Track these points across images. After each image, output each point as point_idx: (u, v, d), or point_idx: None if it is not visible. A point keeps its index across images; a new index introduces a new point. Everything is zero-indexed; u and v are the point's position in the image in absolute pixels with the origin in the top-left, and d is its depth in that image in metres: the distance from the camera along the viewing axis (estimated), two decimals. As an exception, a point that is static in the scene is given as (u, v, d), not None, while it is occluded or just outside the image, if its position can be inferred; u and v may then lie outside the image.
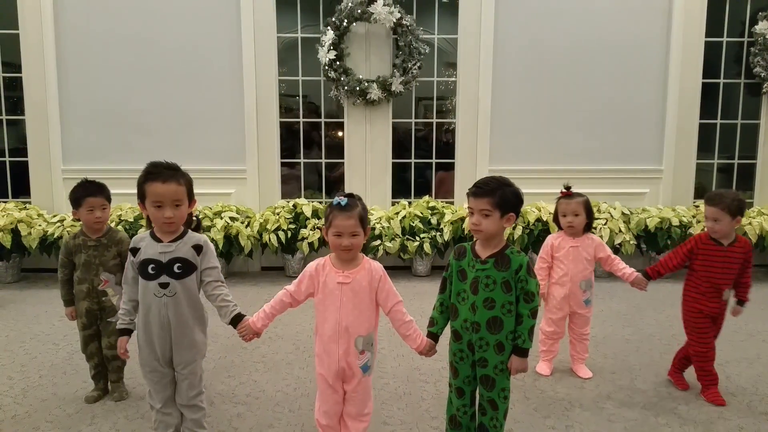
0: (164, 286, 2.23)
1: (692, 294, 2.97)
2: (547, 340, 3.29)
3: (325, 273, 2.21)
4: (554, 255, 3.21)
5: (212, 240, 4.91)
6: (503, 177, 2.25)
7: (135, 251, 2.28)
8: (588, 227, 3.19)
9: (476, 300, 2.18)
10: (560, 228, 3.22)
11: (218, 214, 5.15)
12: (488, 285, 2.17)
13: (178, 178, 2.23)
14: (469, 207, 2.21)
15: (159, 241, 2.26)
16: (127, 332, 2.32)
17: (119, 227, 4.77)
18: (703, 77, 5.54)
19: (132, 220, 4.99)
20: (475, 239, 2.27)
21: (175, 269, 2.24)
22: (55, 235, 4.92)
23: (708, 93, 5.60)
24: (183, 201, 2.24)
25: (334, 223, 2.14)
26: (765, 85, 5.46)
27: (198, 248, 2.29)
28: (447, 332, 2.33)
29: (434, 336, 2.31)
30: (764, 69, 5.39)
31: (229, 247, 5.07)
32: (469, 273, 2.22)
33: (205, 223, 5.01)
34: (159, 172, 2.21)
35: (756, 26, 5.41)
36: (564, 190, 3.19)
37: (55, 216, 5.15)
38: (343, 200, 2.15)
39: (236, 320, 2.27)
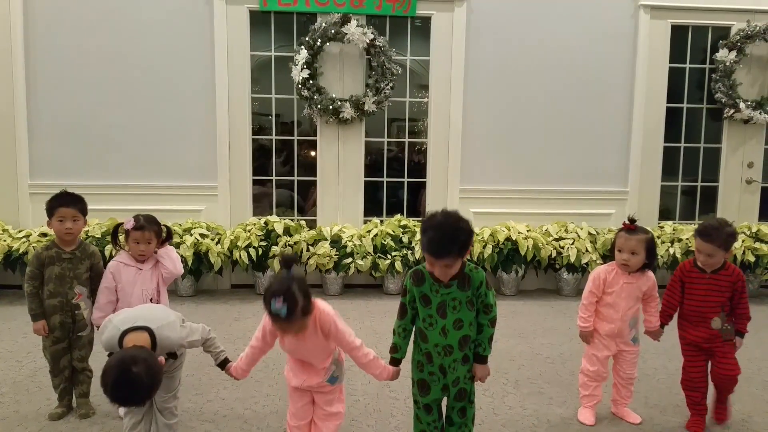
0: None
1: (680, 320, 2.93)
2: (589, 383, 2.98)
3: None
4: (605, 291, 2.91)
5: (181, 257, 4.86)
6: (451, 222, 2.11)
7: None
8: (647, 267, 2.88)
9: (446, 324, 2.21)
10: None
11: (188, 230, 5.11)
12: (455, 307, 2.21)
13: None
14: (428, 261, 2.17)
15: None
16: None
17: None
18: (667, 102, 5.71)
19: (99, 236, 4.92)
20: None
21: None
22: (20, 251, 4.83)
23: (672, 117, 5.77)
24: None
25: (278, 329, 2.11)
26: (726, 110, 5.64)
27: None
28: (407, 351, 2.38)
29: (398, 361, 2.35)
30: (725, 95, 5.57)
31: (199, 264, 5.03)
32: (433, 298, 2.22)
33: (175, 239, 4.96)
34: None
35: (717, 54, 5.60)
36: (626, 222, 2.86)
37: (20, 231, 5.05)
38: (283, 310, 1.96)
39: (223, 364, 2.45)
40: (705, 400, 2.90)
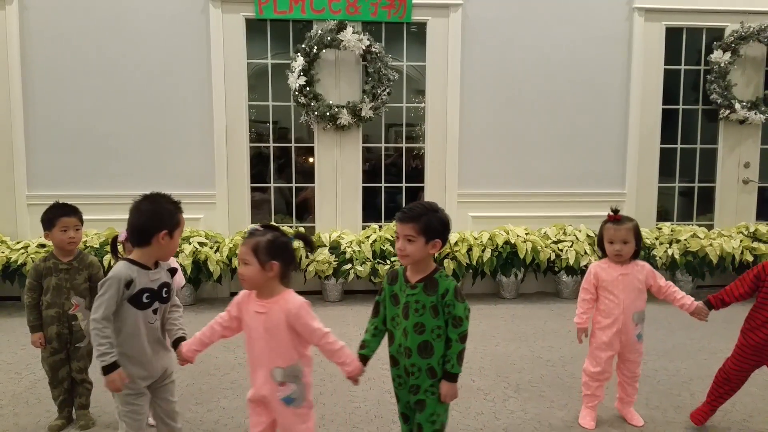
0: (156, 312, 2.27)
1: (749, 323, 2.76)
2: (591, 383, 2.94)
3: (250, 301, 2.16)
4: (600, 285, 2.90)
5: (180, 265, 4.86)
6: (432, 203, 2.24)
7: (130, 283, 2.18)
8: (636, 254, 2.88)
9: (407, 325, 2.17)
10: (604, 254, 2.93)
11: (186, 239, 5.10)
12: (418, 310, 2.16)
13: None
14: (395, 232, 2.21)
15: (146, 268, 2.24)
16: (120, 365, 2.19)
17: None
18: (663, 104, 5.73)
19: (98, 246, 4.91)
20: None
21: (163, 294, 2.30)
22: (19, 262, 4.82)
23: (668, 119, 5.78)
24: None
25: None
26: (721, 111, 5.66)
27: (173, 271, 2.37)
28: (385, 358, 2.32)
29: (364, 358, 2.26)
30: (720, 96, 5.59)
31: (198, 273, 5.02)
32: (401, 298, 2.21)
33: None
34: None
35: (711, 55, 5.62)
36: (611, 214, 2.87)
37: (18, 242, 5.04)
38: (252, 230, 2.14)
39: (177, 343, 2.32)
40: (727, 397, 2.85)
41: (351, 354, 2.19)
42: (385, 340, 2.32)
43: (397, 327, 2.22)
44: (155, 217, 2.24)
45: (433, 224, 2.15)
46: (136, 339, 2.22)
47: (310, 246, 2.27)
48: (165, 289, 2.30)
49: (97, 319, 2.11)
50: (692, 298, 2.85)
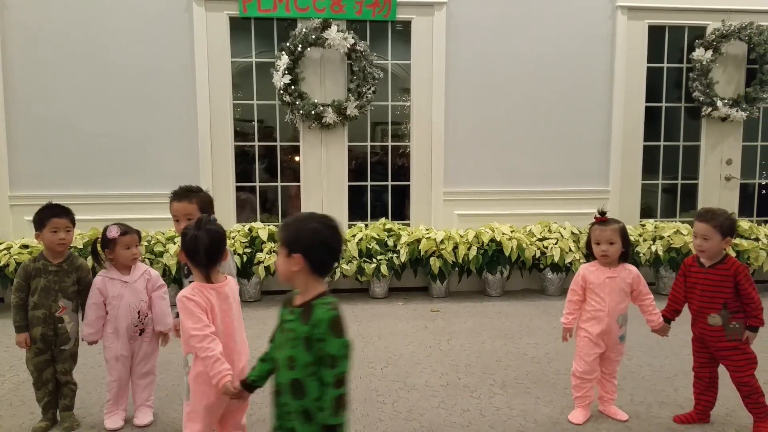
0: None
1: (692, 319, 2.89)
2: (582, 384, 2.96)
3: None
4: (588, 287, 2.93)
5: (165, 266, 4.84)
6: (315, 214, 1.87)
7: None
8: (624, 256, 2.91)
9: (281, 357, 1.83)
10: (591, 256, 2.97)
11: (171, 239, 5.07)
12: (291, 340, 1.79)
13: (190, 197, 2.68)
14: None
15: None
16: None
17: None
18: (646, 101, 5.78)
19: (81, 246, 4.86)
20: None
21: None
22: (1, 264, 4.77)
23: (651, 116, 5.84)
24: (194, 215, 2.57)
25: None
26: (703, 108, 5.71)
27: None
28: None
29: (246, 385, 2.01)
30: (702, 93, 5.64)
31: (180, 273, 4.98)
32: (285, 324, 1.86)
33: (158, 248, 4.93)
34: (176, 193, 2.71)
35: (693, 53, 5.67)
36: (598, 216, 2.90)
37: (1, 243, 4.99)
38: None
39: None
40: (705, 398, 2.92)
41: (216, 367, 2.01)
42: None
43: (278, 358, 1.88)
44: None
45: (295, 235, 1.79)
46: None
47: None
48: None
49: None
50: (660, 318, 2.93)
